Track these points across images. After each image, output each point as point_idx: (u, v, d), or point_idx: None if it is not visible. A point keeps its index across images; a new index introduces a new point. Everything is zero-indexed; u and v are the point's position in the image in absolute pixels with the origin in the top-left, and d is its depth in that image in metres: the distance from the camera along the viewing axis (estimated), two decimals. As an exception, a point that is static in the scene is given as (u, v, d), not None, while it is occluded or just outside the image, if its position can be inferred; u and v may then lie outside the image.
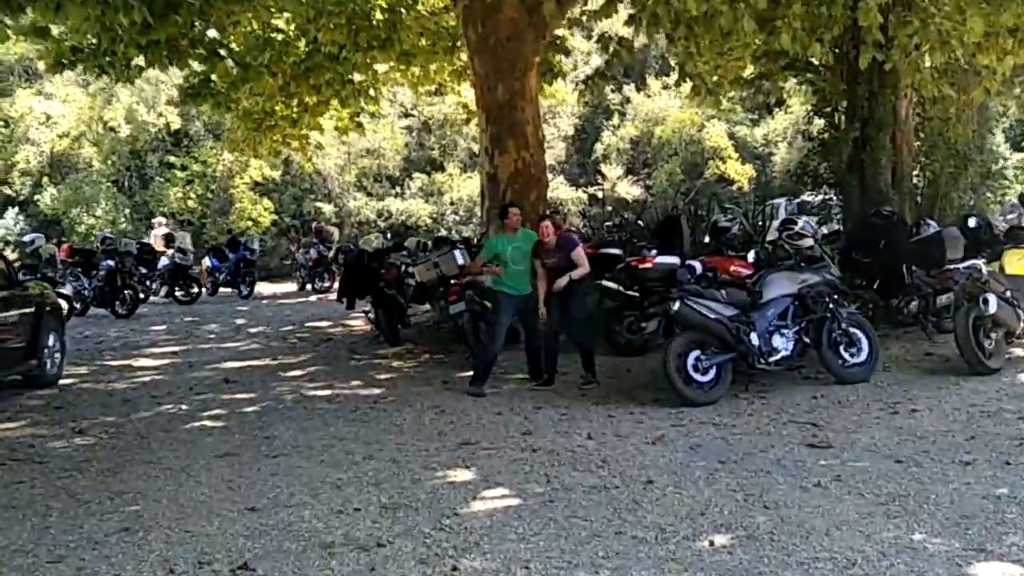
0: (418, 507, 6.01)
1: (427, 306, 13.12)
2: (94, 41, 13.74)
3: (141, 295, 20.23)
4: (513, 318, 9.84)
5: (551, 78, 15.03)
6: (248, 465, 7.21)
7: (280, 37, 17.51)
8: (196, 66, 15.74)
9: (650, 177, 38.82)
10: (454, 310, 11.04)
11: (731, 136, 39.32)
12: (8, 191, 35.94)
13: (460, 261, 11.53)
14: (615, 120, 40.39)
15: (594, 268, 11.62)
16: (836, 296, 9.36)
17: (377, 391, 10.05)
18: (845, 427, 7.65)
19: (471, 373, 10.02)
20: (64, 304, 16.09)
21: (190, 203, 36.03)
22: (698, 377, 8.62)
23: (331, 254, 18.72)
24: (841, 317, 9.22)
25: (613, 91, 41.57)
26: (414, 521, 5.73)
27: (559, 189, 38.54)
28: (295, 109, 18.94)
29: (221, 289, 21.49)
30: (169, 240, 20.38)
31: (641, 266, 9.22)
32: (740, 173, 37.94)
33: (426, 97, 35.49)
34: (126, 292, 17.44)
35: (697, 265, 9.42)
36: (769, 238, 13.49)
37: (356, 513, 5.94)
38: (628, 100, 40.72)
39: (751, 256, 10.26)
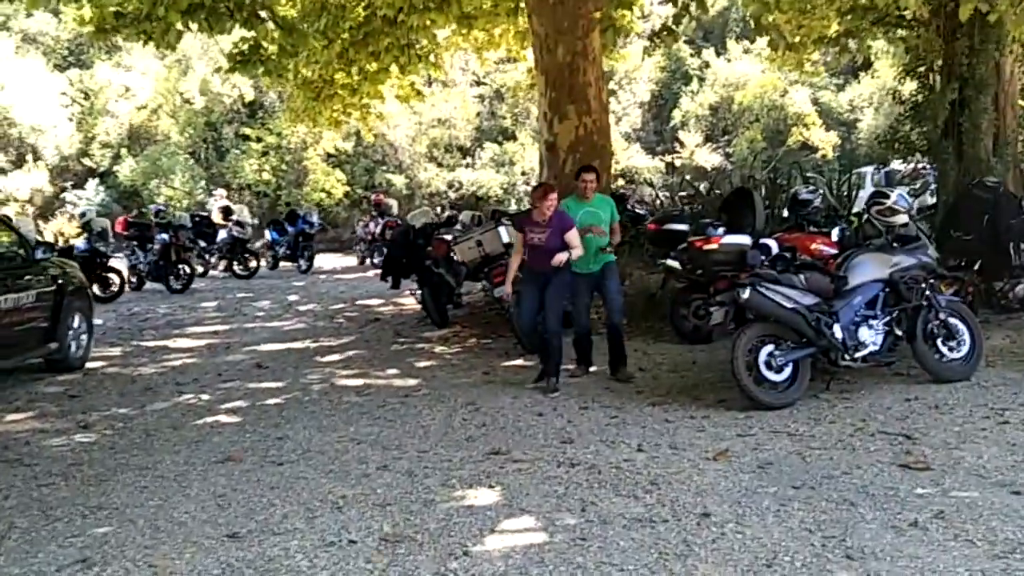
0: (423, 541, 4.89)
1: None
2: (139, 5, 12.92)
3: (200, 268, 19.57)
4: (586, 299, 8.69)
5: (615, 36, 13.69)
6: (248, 474, 6.20)
7: (336, 1, 16.53)
8: (240, 31, 14.91)
9: (730, 145, 37.14)
10: (499, 293, 9.92)
11: (815, 102, 37.39)
12: (89, 163, 35.83)
13: (505, 239, 10.37)
14: (694, 85, 38.73)
15: (659, 246, 10.42)
16: (933, 281, 7.99)
17: (412, 382, 8.99)
18: (945, 441, 6.32)
19: (519, 362, 8.92)
20: (116, 279, 15.50)
21: (264, 175, 35.55)
22: (771, 376, 7.34)
23: (379, 229, 17.66)
24: (939, 306, 7.85)
25: (692, 55, 39.94)
26: (415, 562, 4.63)
27: (634, 157, 37.14)
28: (355, 77, 17.99)
29: (282, 263, 20.65)
30: (227, 213, 19.59)
31: (705, 247, 7.84)
32: (824, 141, 36.04)
33: (498, 64, 34.52)
34: (180, 267, 16.67)
35: (772, 244, 8.10)
36: (855, 210, 12.10)
37: (350, 547, 4.85)
38: (707, 65, 39.02)
39: (835, 234, 8.86)
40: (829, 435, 6.57)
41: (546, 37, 13.35)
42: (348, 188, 35.50)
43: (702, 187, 15.80)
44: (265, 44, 15.64)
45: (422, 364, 9.86)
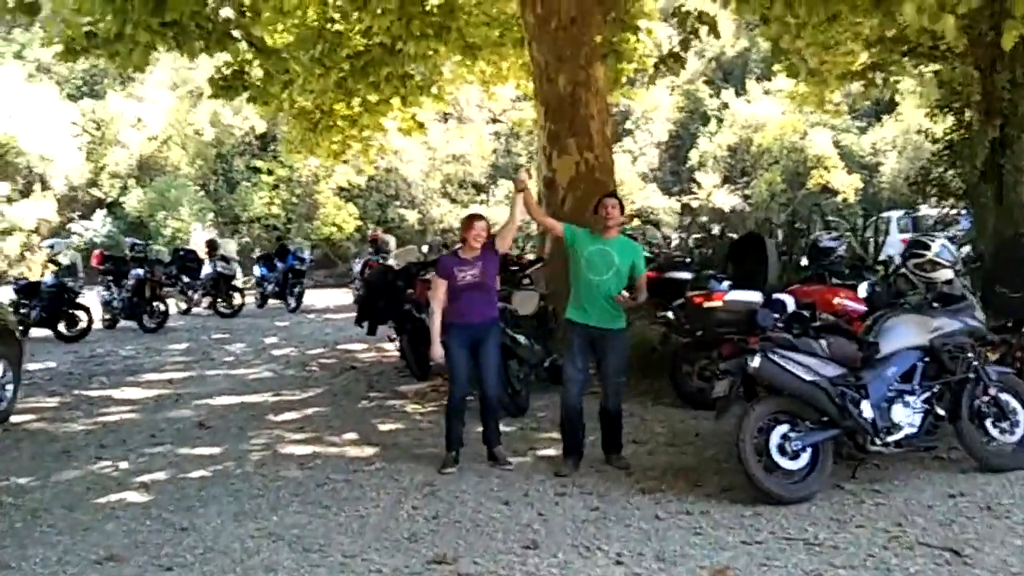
0: None
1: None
2: (110, 25, 11.79)
3: (183, 305, 18.30)
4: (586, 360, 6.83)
5: (616, 63, 12.41)
6: (123, 584, 4.85)
7: (332, 28, 15.39)
8: (224, 56, 13.79)
9: (748, 186, 35.74)
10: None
11: (836, 144, 35.94)
12: (98, 193, 34.83)
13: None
14: (712, 126, 37.42)
15: (659, 296, 9.03)
16: (981, 349, 6.57)
17: (368, 451, 7.60)
18: (1003, 560, 4.87)
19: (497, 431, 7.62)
20: (84, 317, 14.24)
21: (274, 208, 34.44)
22: (785, 463, 5.92)
23: (358, 267, 16.16)
24: (989, 379, 6.42)
25: (711, 96, 38.67)
26: None
27: (651, 197, 35.81)
28: (355, 108, 16.81)
29: (271, 301, 19.30)
30: (212, 247, 18.34)
31: (706, 304, 6.36)
32: (846, 184, 34.56)
33: (515, 102, 33.35)
34: (155, 304, 15.37)
35: (788, 300, 6.68)
36: (882, 257, 10.71)
37: None
38: (726, 105, 37.70)
39: (863, 290, 7.42)
40: (856, 545, 5.13)
41: (546, 66, 12.11)
42: (360, 223, 34.34)
43: (715, 229, 14.41)
44: (248, 70, 14.55)
45: (387, 427, 8.48)
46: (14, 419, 8.96)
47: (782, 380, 5.95)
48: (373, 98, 16.28)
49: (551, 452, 7.36)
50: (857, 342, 6.27)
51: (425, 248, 14.85)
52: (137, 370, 11.90)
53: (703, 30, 10.29)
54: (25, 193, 33.74)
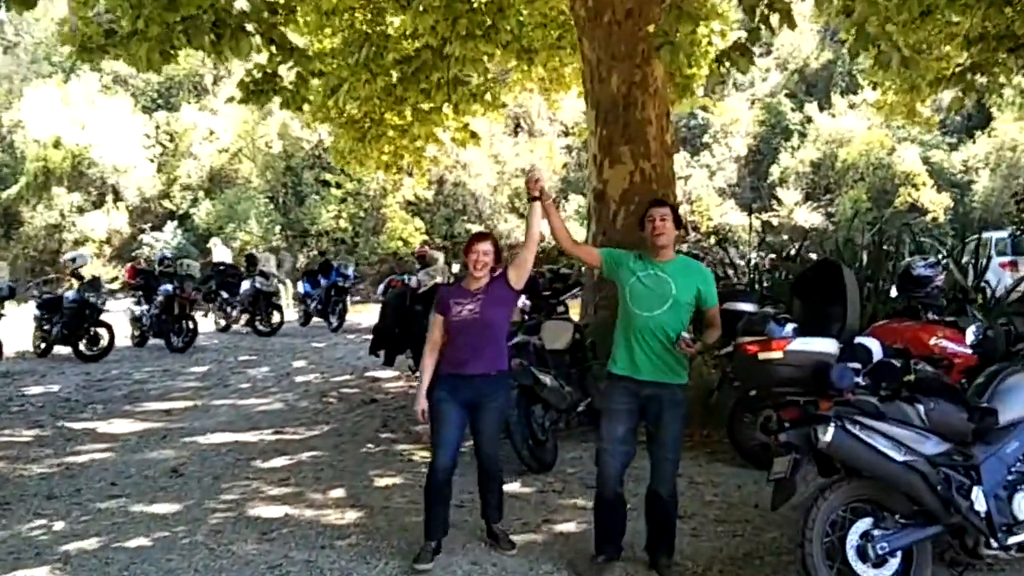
0: None
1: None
2: (129, 24, 10.73)
3: (222, 322, 17.16)
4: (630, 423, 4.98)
5: (672, 56, 10.88)
6: None
7: (379, 30, 14.18)
8: (256, 58, 12.62)
9: (832, 204, 33.62)
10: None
11: (925, 161, 33.63)
12: (169, 205, 34.34)
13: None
14: (794, 141, 35.35)
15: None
16: None
17: (350, 516, 6.15)
18: None
19: (512, 487, 6.11)
20: (106, 335, 13.16)
21: (342, 222, 33.51)
22: (866, 572, 4.32)
23: (381, 289, 14.57)
24: None
25: (793, 109, 36.62)
26: None
27: (729, 214, 33.95)
28: (407, 117, 15.53)
29: (314, 319, 17.98)
30: (252, 262, 17.16)
31: (762, 354, 4.67)
32: (935, 203, 32.26)
33: (585, 112, 31.79)
34: (184, 322, 14.21)
35: (873, 345, 5.04)
36: (987, 279, 8.96)
37: None
38: (809, 119, 35.61)
39: (971, 334, 5.72)
40: None
41: (598, 64, 10.66)
42: (427, 237, 33.20)
43: (791, 249, 12.65)
44: (281, 73, 13.35)
45: (384, 481, 7.03)
46: (-28, 458, 7.77)
47: (864, 459, 4.34)
48: (425, 106, 14.96)
49: (573, 527, 5.85)
50: (966, 407, 4.62)
51: (457, 267, 13.35)
52: (140, 397, 10.68)
53: (774, 19, 8.67)
54: (98, 204, 33.42)
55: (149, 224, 33.53)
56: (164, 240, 31.81)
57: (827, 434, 4.31)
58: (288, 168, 34.24)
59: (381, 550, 5.48)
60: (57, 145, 31.96)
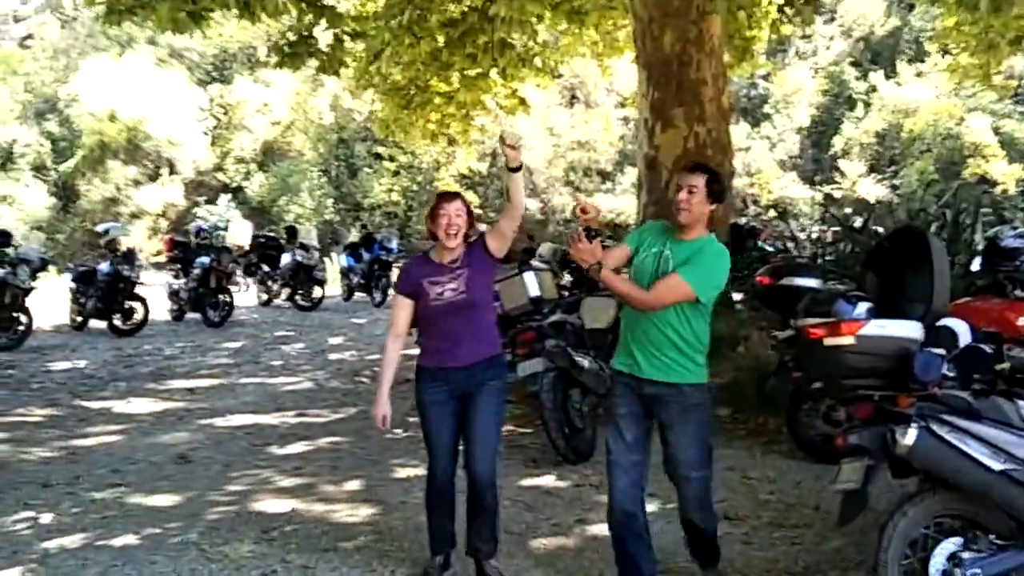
0: None
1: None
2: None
3: (263, 296, 16.67)
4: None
5: (729, 6, 9.86)
6: None
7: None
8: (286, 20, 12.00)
9: (897, 176, 32.17)
10: (525, 370, 6.36)
11: (996, 131, 32.00)
12: (223, 178, 34.09)
13: (533, 291, 6.77)
14: (859, 111, 33.86)
15: (777, 308, 6.61)
16: None
17: (363, 513, 5.51)
18: None
19: (546, 481, 5.42)
20: (140, 308, 12.70)
21: (394, 195, 33.00)
22: (955, 604, 3.55)
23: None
24: None
25: (857, 78, 35.11)
26: None
27: (789, 187, 32.68)
28: (454, 84, 14.83)
29: (357, 294, 17.36)
30: (292, 234, 16.57)
31: (829, 340, 3.76)
32: (1006, 175, 30.66)
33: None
34: (221, 296, 13.70)
35: (960, 327, 4.22)
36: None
37: None
38: (874, 89, 34.07)
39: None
40: None
41: (650, 22, 9.89)
42: (480, 211, 32.56)
43: (856, 221, 11.71)
44: (318, 36, 12.71)
45: (405, 472, 6.37)
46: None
47: (954, 468, 3.55)
48: (471, 72, 14.24)
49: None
50: (1077, 404, 3.79)
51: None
52: (167, 374, 10.16)
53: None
54: (153, 177, 33.29)
55: (204, 197, 33.35)
56: (218, 214, 31.58)
57: (908, 437, 3.53)
58: (341, 141, 33.78)
59: (390, 555, 4.82)
60: (112, 119, 31.82)
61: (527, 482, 6.09)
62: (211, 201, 32.68)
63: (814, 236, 15.60)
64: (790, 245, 10.22)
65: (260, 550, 4.93)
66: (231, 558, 4.82)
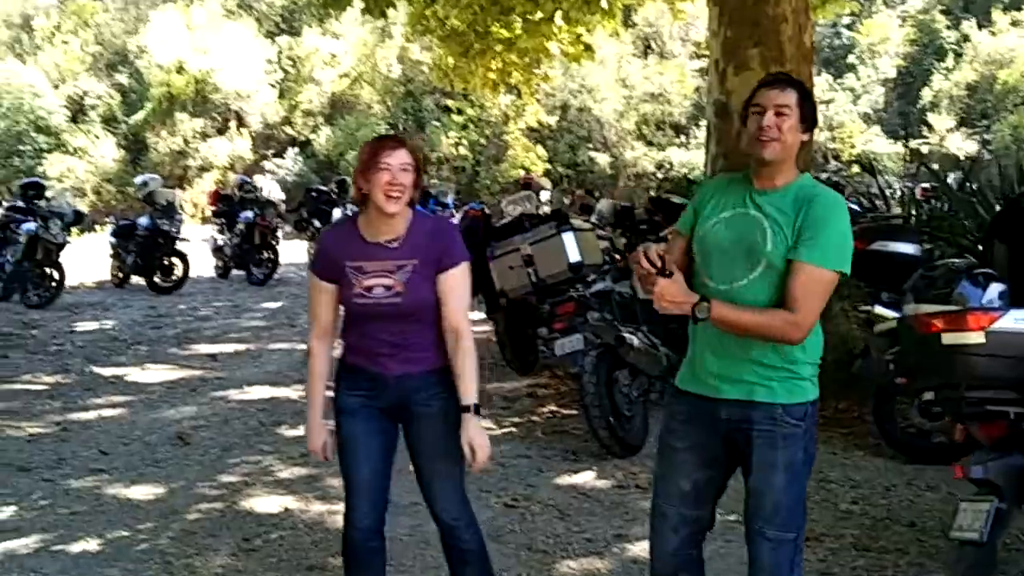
0: None
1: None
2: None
3: (313, 252, 15.91)
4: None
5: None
6: None
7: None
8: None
9: (988, 131, 30.14)
10: (563, 349, 5.40)
11: (1101, 82, 29.79)
12: (291, 131, 33.50)
13: (573, 255, 5.76)
14: (949, 61, 31.75)
15: (865, 277, 5.48)
16: None
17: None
18: None
19: (583, 479, 4.52)
20: (180, 265, 12.03)
21: (462, 149, 32.07)
22: None
23: (458, 217, 12.13)
24: None
25: (948, 27, 32.93)
26: None
27: (873, 141, 30.86)
28: (515, 29, 13.81)
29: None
30: (343, 187, 15.69)
31: (952, 338, 2.60)
32: (1112, 130, 28.51)
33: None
34: (264, 253, 12.94)
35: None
36: None
37: None
38: (966, 38, 31.91)
39: None
40: None
41: (722, -51, 8.66)
42: (549, 165, 31.45)
43: (951, 178, 10.43)
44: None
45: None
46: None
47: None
48: (534, 16, 13.20)
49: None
50: None
51: (545, 195, 11.49)
52: (193, 338, 9.42)
53: None
54: (221, 130, 32.84)
55: (271, 151, 32.83)
56: (286, 167, 31.11)
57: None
58: (408, 94, 32.89)
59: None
60: (180, 71, 31.35)
61: (563, 480, 5.15)
62: (279, 155, 32.13)
63: (899, 194, 14.31)
64: (878, 203, 9.00)
65: (234, 565, 4.09)
66: (197, 574, 4.00)
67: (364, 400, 3.07)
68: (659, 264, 2.50)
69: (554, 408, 6.60)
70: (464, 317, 3.01)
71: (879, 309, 5.16)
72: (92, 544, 4.32)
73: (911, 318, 2.80)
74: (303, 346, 8.90)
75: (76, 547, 4.29)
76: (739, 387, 2.65)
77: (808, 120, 2.69)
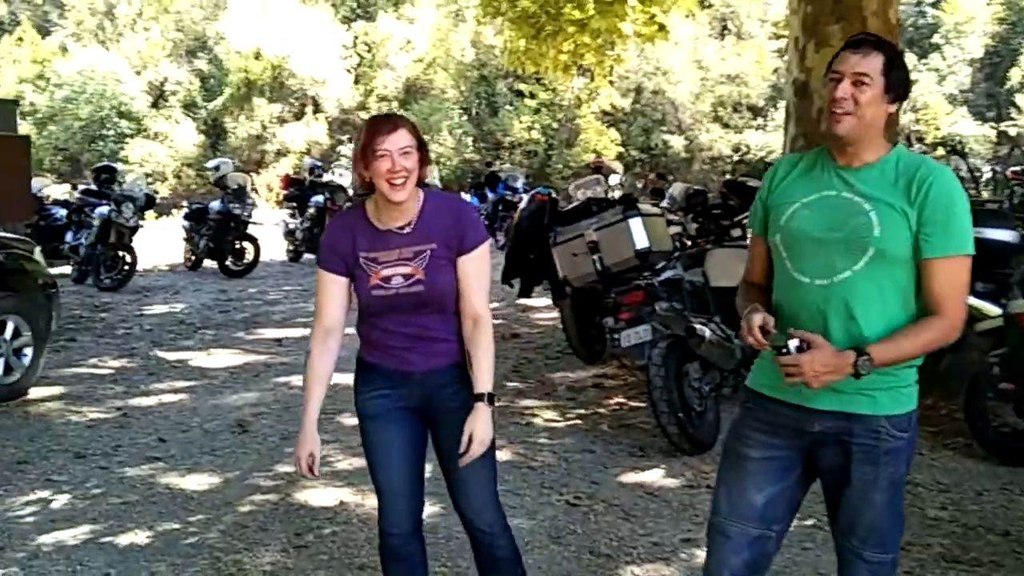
0: None
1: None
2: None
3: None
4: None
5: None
6: None
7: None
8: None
9: (1084, 112, 28.88)
10: (630, 340, 5.12)
11: None
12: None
13: (641, 241, 5.45)
14: (1041, 39, 30.54)
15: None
16: None
17: (426, 512, 4.45)
18: None
19: (652, 476, 4.29)
20: (251, 249, 12.02)
21: (534, 133, 31.79)
22: None
23: (524, 201, 11.56)
24: None
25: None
26: None
27: (959, 123, 29.78)
28: (587, 10, 13.53)
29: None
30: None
31: None
32: None
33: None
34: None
35: None
36: None
37: None
38: (1062, 14, 30.69)
39: None
40: None
41: (804, -83, 8.26)
42: (622, 149, 31.01)
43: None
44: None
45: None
46: (36, 393, 6.56)
47: None
48: (606, -5, 12.93)
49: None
50: None
51: (615, 179, 11.10)
52: (261, 322, 9.35)
53: None
54: (298, 115, 33.09)
55: (347, 136, 32.98)
56: (360, 153, 31.24)
57: None
58: (482, 78, 32.71)
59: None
60: (258, 56, 31.63)
61: (628, 477, 4.87)
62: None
63: (985, 177, 13.74)
64: (968, 188, 8.52)
65: (283, 562, 3.93)
66: (244, 571, 3.84)
67: (388, 402, 2.83)
68: (767, 335, 2.26)
69: (621, 400, 6.32)
70: (485, 303, 2.77)
71: (975, 302, 4.76)
72: (141, 536, 4.20)
73: (1020, 317, 2.47)
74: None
75: (124, 539, 4.17)
76: (838, 398, 2.31)
77: (896, 90, 2.31)
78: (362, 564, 3.92)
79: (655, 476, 4.88)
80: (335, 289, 2.78)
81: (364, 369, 2.88)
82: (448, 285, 2.72)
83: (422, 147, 2.67)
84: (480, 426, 2.67)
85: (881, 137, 2.35)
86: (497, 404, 2.87)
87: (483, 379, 2.70)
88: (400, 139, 2.61)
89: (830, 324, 2.30)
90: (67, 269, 11.61)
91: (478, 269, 2.76)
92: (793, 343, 2.21)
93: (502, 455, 5.17)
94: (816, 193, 2.37)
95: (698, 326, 5.03)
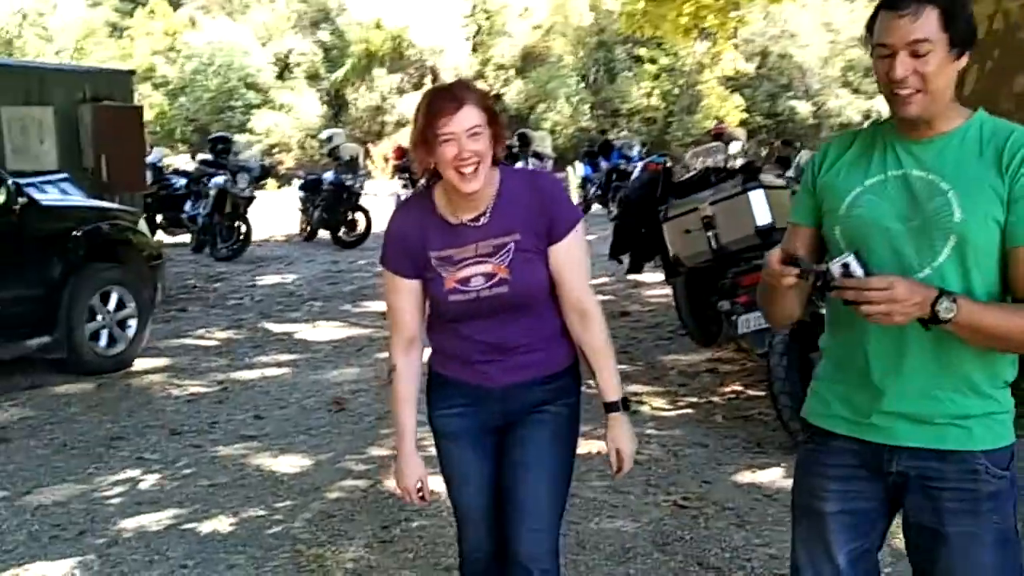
0: None
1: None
2: None
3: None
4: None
5: None
6: None
7: None
8: None
9: None
10: (748, 326, 4.65)
11: None
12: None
13: (763, 217, 4.92)
14: None
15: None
16: None
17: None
18: None
19: (770, 476, 3.90)
20: (362, 220, 11.91)
21: (654, 100, 31.00)
22: None
23: (637, 170, 10.70)
24: None
25: None
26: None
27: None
28: (711, -32, 12.96)
29: (594, 206, 15.68)
30: (524, 141, 15.08)
31: None
32: None
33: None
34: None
35: None
36: None
37: None
38: None
39: None
40: None
41: None
42: (746, 115, 29.95)
43: None
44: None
45: (582, 448, 4.91)
46: (140, 364, 6.53)
47: None
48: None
49: None
50: None
51: (736, 146, 10.41)
52: (368, 295, 9.18)
53: None
54: (417, 85, 33.09)
55: (465, 105, 32.89)
56: (470, 123, 31.09)
57: None
58: (600, 43, 32.02)
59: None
60: (378, 27, 31.73)
61: (743, 477, 4.43)
62: (472, 109, 32.14)
63: None
64: None
65: (366, 559, 3.66)
66: (325, 567, 3.59)
67: (466, 421, 2.43)
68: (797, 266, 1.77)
69: (738, 388, 5.86)
70: (588, 292, 2.35)
71: None
72: (224, 523, 4.00)
73: None
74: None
75: (207, 526, 3.98)
76: (924, 430, 1.86)
77: (962, 42, 1.77)
78: (448, 566, 3.61)
79: (774, 476, 4.42)
80: (408, 295, 2.37)
81: (436, 383, 2.46)
82: (539, 281, 2.30)
83: (494, 121, 2.21)
84: (623, 440, 2.36)
85: (955, 100, 1.84)
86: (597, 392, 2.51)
87: (610, 385, 2.36)
88: (467, 118, 2.14)
89: (907, 334, 1.82)
90: (187, 238, 11.74)
91: (576, 255, 2.32)
92: (837, 265, 1.71)
93: (594, 447, 4.82)
94: (880, 175, 1.89)
95: (824, 311, 4.52)
